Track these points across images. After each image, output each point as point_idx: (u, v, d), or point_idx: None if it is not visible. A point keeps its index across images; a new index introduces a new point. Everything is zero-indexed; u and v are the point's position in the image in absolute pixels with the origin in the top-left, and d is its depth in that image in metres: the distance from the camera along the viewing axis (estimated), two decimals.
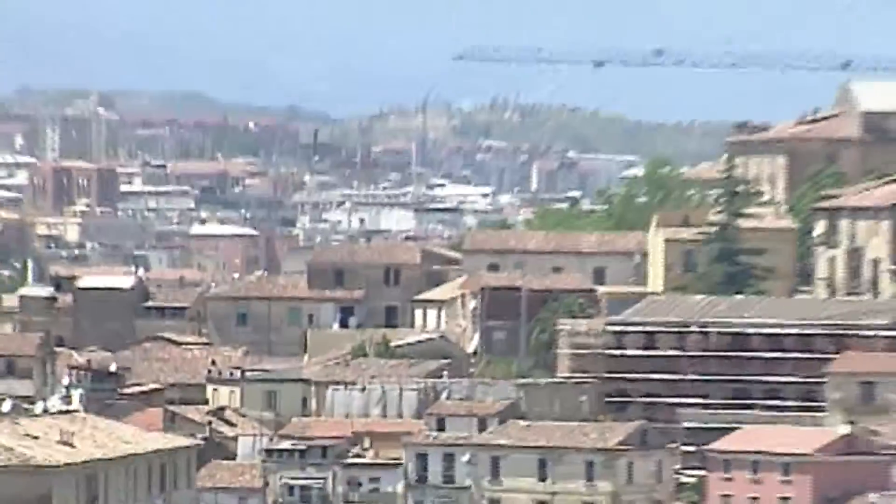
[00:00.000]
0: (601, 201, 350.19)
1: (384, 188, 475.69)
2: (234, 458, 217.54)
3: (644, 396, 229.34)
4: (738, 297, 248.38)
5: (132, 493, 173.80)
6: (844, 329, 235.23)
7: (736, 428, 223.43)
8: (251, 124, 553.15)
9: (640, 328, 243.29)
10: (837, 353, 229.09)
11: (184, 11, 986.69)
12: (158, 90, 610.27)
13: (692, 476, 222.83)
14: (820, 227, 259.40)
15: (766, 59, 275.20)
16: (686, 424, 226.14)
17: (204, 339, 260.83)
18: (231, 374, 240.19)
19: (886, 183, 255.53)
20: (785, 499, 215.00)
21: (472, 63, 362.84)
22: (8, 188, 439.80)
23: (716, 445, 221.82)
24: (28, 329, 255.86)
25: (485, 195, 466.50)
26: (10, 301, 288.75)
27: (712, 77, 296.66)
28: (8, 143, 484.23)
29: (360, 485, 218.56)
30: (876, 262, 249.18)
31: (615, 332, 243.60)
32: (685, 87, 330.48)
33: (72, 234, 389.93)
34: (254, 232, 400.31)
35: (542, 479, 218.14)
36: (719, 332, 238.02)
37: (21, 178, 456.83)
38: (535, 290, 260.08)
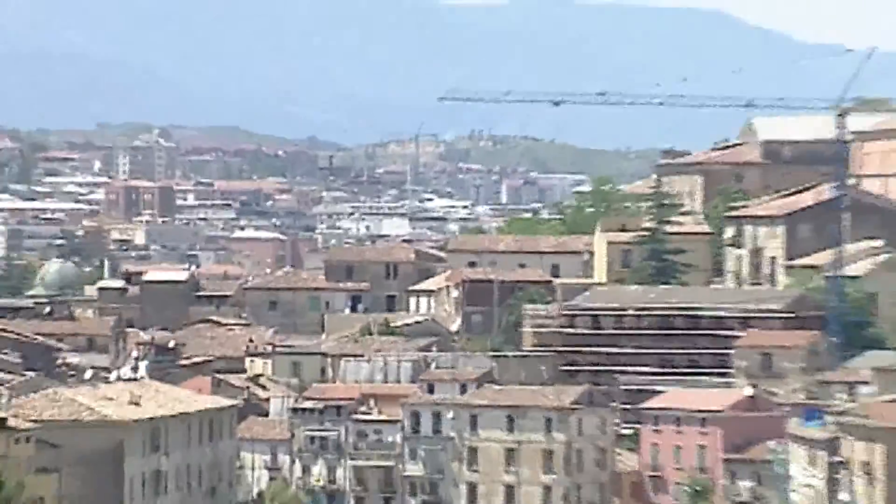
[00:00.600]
0: (556, 212, 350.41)
1: (385, 201, 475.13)
2: (266, 416, 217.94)
3: (591, 366, 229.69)
4: (665, 286, 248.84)
5: (186, 444, 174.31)
6: (748, 312, 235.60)
7: (663, 391, 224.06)
8: (280, 151, 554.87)
9: (587, 312, 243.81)
10: (743, 330, 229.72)
11: (225, 62, 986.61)
12: (206, 125, 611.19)
13: (629, 429, 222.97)
14: (729, 232, 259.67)
15: (687, 99, 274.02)
16: (624, 388, 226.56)
17: (243, 321, 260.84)
18: (264, 348, 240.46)
19: (781, 197, 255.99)
20: (702, 446, 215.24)
21: (454, 102, 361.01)
22: (89, 202, 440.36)
23: (647, 404, 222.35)
24: (104, 313, 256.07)
25: (464, 207, 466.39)
26: (91, 291, 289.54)
27: (644, 112, 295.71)
28: (89, 167, 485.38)
29: (366, 436, 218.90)
30: (773, 260, 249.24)
31: (568, 315, 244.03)
32: (623, 121, 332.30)
33: (139, 239, 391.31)
34: (282, 237, 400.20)
35: (510, 431, 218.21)
36: (650, 315, 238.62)
37: (99, 194, 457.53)
38: (505, 281, 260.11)
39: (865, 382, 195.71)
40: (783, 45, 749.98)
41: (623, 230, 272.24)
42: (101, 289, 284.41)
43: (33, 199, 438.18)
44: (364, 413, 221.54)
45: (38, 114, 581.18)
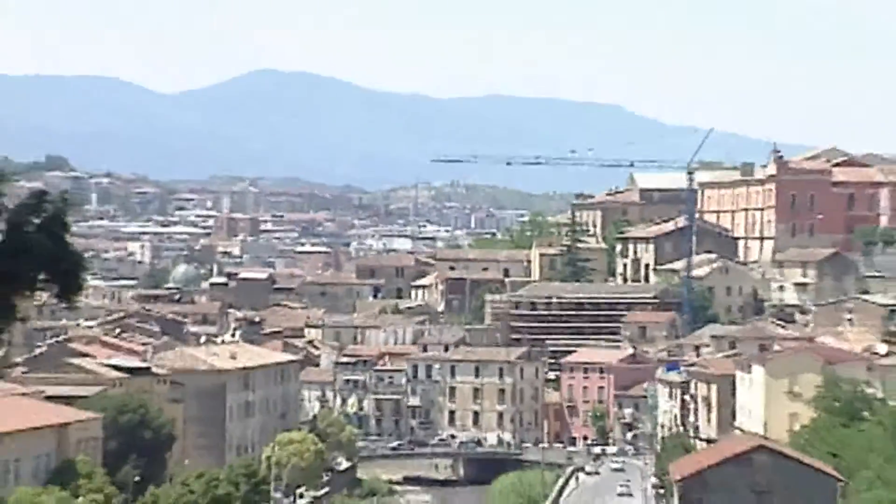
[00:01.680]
0: (507, 234, 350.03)
1: (395, 227, 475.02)
2: (318, 366, 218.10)
3: (528, 334, 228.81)
4: (577, 283, 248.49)
5: (266, 384, 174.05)
6: (630, 299, 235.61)
7: (575, 350, 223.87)
8: (327, 194, 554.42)
9: (527, 299, 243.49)
10: (627, 311, 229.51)
11: (290, 137, 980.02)
12: (279, 177, 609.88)
13: (553, 375, 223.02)
14: (618, 247, 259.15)
15: (592, 161, 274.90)
16: (550, 349, 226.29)
17: (302, 305, 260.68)
18: (317, 322, 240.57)
19: (652, 224, 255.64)
20: (601, 387, 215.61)
21: (440, 163, 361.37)
22: (204, 227, 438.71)
23: (565, 360, 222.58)
24: (213, 299, 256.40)
25: (447, 231, 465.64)
26: (205, 285, 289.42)
27: (564, 170, 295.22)
28: (204, 204, 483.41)
29: (382, 379, 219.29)
30: (647, 266, 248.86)
31: (514, 302, 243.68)
32: (550, 175, 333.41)
33: (235, 251, 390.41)
34: (328, 250, 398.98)
35: (477, 377, 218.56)
36: (567, 302, 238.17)
37: (210, 222, 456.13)
38: (473, 279, 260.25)
39: (706, 345, 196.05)
40: (655, 126, 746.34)
41: (550, 246, 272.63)
42: (211, 283, 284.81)
43: (167, 226, 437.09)
44: (381, 365, 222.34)
45: (172, 169, 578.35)
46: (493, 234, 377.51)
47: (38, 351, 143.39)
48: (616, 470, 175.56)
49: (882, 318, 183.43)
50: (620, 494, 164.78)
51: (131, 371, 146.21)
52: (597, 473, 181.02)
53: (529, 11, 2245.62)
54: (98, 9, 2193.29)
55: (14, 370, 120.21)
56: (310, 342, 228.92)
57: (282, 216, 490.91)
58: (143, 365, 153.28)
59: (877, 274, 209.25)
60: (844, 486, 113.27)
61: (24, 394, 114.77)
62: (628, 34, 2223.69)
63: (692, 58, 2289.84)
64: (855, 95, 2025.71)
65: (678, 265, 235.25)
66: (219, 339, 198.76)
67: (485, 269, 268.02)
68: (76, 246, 18.49)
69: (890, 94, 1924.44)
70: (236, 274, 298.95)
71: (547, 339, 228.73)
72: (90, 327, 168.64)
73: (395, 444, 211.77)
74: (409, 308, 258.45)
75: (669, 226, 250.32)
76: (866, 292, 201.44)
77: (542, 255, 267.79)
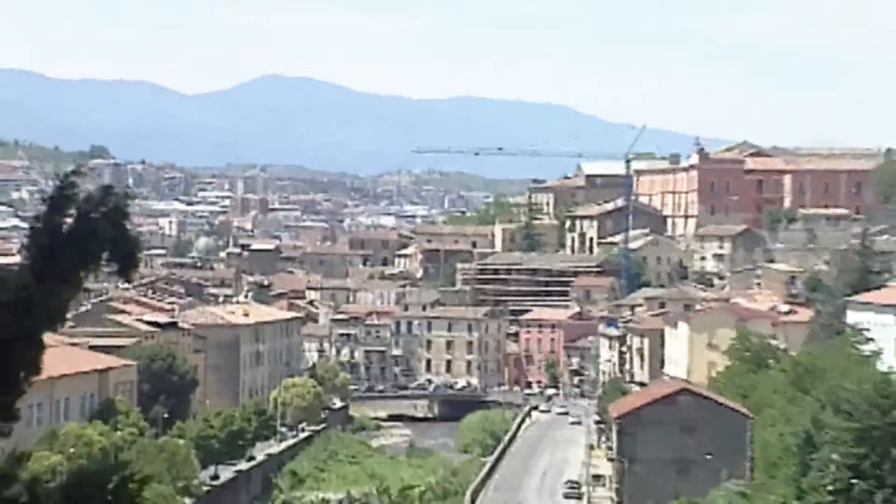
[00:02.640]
0: (475, 214, 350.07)
1: (382, 207, 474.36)
2: (317, 322, 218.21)
3: (493, 296, 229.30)
4: (533, 253, 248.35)
5: (273, 337, 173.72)
6: (577, 267, 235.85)
7: (531, 309, 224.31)
8: (325, 179, 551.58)
9: (491, 266, 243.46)
10: (574, 277, 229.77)
11: (297, 133, 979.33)
12: (285, 164, 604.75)
13: (513, 331, 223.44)
14: (568, 224, 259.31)
15: (546, 152, 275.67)
16: (511, 308, 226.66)
17: (304, 270, 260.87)
18: (316, 286, 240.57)
19: (596, 205, 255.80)
20: (552, 340, 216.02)
21: (419, 154, 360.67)
22: (222, 207, 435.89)
23: (522, 318, 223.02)
24: (229, 266, 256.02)
25: (425, 210, 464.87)
26: (222, 254, 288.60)
27: (524, 159, 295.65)
28: (222, 187, 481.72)
29: (370, 333, 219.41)
30: (592, 239, 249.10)
31: (481, 269, 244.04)
32: (510, 163, 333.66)
33: (248, 226, 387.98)
34: (326, 225, 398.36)
35: (449, 331, 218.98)
36: (525, 269, 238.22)
37: (227, 202, 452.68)
38: (447, 250, 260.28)
39: (640, 305, 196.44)
40: (598, 123, 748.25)
41: (510, 223, 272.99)
42: (228, 253, 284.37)
43: (191, 205, 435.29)
44: (370, 321, 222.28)
45: (195, 157, 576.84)
46: (463, 213, 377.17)
47: (83, 308, 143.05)
48: (561, 414, 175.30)
49: (785, 283, 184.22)
50: (572, 424, 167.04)
51: (161, 326, 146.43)
52: (548, 412, 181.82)
53: (494, 28, 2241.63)
54: (134, 22, 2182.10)
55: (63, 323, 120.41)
56: (310, 302, 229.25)
57: (287, 197, 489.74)
58: (171, 321, 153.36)
59: (780, 246, 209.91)
60: (753, 421, 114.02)
61: (71, 344, 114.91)
62: (575, 44, 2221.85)
63: (630, 64, 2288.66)
64: (763, 97, 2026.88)
65: (617, 239, 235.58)
66: (234, 300, 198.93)
67: (456, 242, 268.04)
68: (133, 231, 18.77)
69: (790, 97, 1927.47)
70: (248, 245, 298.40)
71: (508, 300, 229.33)
72: (127, 289, 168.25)
73: (380, 387, 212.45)
74: (392, 274, 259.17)
75: (610, 206, 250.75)
76: (772, 261, 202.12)
77: (503, 230, 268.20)
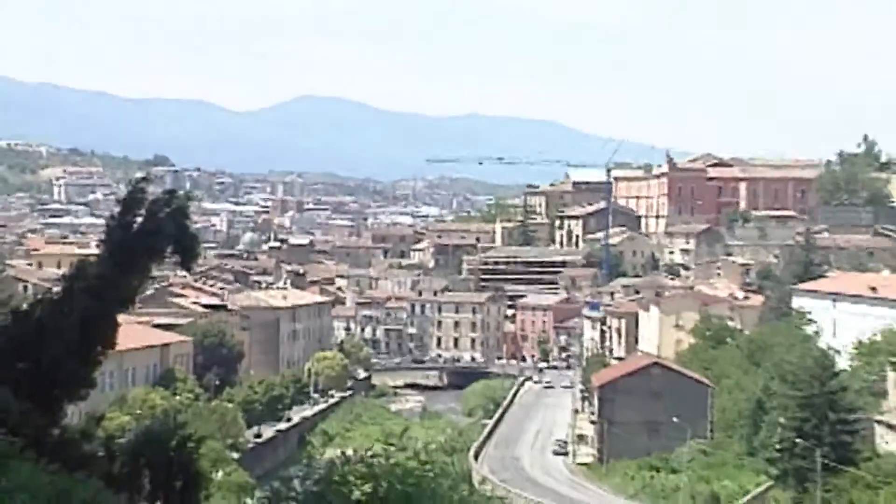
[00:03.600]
0: (479, 212, 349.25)
1: (399, 207, 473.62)
2: (344, 304, 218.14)
3: (493, 283, 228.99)
4: (528, 247, 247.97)
5: (308, 317, 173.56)
6: (565, 259, 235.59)
7: (526, 295, 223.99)
8: (352, 184, 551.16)
9: (493, 258, 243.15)
10: (563, 267, 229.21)
11: (328, 143, 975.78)
12: (317, 171, 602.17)
13: (511, 313, 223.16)
14: (557, 223, 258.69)
15: (539, 161, 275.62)
16: (508, 294, 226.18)
17: (334, 262, 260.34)
18: (344, 274, 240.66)
19: (581, 207, 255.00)
20: (544, 321, 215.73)
21: (433, 162, 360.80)
22: (264, 207, 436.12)
23: (518, 302, 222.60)
24: (270, 257, 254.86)
25: (437, 210, 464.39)
26: (265, 247, 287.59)
27: (520, 167, 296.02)
28: (264, 190, 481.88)
29: (390, 314, 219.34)
30: (577, 236, 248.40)
31: (483, 260, 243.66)
32: (509, 170, 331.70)
33: (286, 223, 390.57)
34: (352, 224, 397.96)
35: (457, 313, 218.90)
36: (521, 261, 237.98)
37: (269, 203, 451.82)
38: (454, 244, 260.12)
39: (618, 292, 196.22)
40: (582, 137, 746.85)
41: (509, 221, 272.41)
42: (269, 247, 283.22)
43: (239, 205, 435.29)
44: (389, 305, 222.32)
45: (242, 165, 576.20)
46: (469, 213, 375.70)
47: (148, 292, 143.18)
48: (547, 387, 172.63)
49: (740, 273, 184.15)
50: (563, 387, 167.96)
51: (213, 307, 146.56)
52: (540, 382, 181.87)
53: (496, 54, 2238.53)
54: (190, 47, 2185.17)
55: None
56: (338, 288, 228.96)
57: (319, 199, 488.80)
58: (221, 303, 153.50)
59: (737, 242, 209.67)
60: (712, 390, 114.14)
61: (138, 322, 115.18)
62: (564, 68, 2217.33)
63: (611, 86, 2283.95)
64: (724, 115, 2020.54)
65: (599, 235, 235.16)
66: (274, 286, 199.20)
67: (462, 238, 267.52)
68: (192, 230, 19.01)
69: (748, 115, 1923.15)
70: (286, 240, 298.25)
71: (506, 287, 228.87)
72: (184, 276, 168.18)
73: (398, 360, 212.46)
74: (408, 265, 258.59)
75: (593, 208, 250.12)
76: (730, 255, 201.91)
77: (503, 227, 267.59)
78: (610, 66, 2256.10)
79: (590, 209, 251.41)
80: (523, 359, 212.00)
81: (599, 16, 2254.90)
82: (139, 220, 18.17)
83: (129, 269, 18.18)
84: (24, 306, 18.34)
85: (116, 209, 18.64)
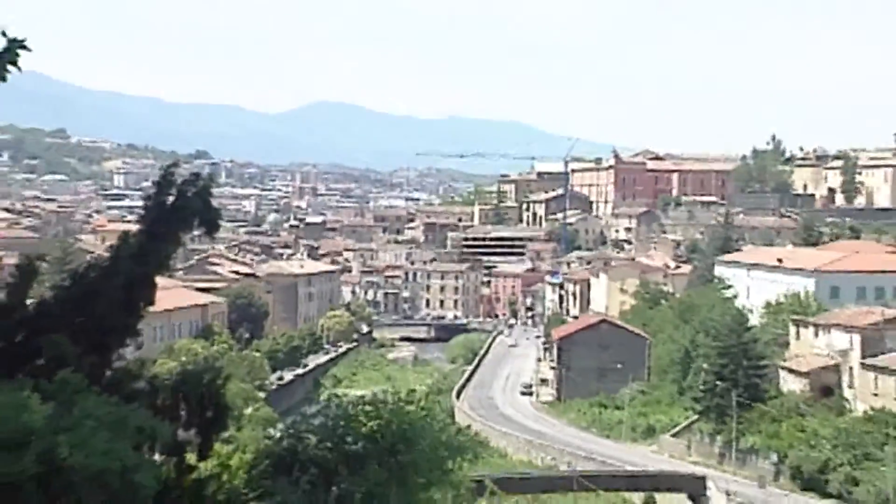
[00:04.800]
0: (460, 197, 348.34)
1: (396, 193, 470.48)
2: (350, 272, 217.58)
3: (472, 255, 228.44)
4: (500, 226, 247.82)
5: (320, 283, 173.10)
6: (531, 236, 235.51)
7: (497, 266, 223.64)
8: (356, 174, 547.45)
9: (472, 235, 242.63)
10: (529, 242, 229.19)
11: (340, 141, 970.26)
12: (328, 162, 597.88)
13: (487, 280, 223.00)
14: (525, 207, 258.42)
15: (509, 155, 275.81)
16: (485, 264, 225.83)
17: (343, 238, 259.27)
18: (350, 248, 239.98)
19: (545, 193, 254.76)
20: (513, 287, 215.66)
21: (423, 155, 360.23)
22: (285, 192, 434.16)
23: (493, 270, 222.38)
24: (290, 234, 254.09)
25: (426, 195, 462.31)
26: (286, 226, 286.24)
27: (494, 160, 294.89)
28: (285, 178, 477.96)
29: (387, 281, 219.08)
30: (541, 217, 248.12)
31: (464, 237, 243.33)
32: (486, 164, 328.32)
33: (303, 206, 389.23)
34: (357, 206, 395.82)
35: (442, 279, 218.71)
36: (495, 237, 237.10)
37: (289, 189, 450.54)
38: (441, 223, 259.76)
39: (574, 262, 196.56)
40: (545, 135, 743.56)
41: (485, 205, 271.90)
42: (290, 225, 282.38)
43: (265, 191, 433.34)
44: (387, 272, 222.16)
45: (267, 157, 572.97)
46: (453, 198, 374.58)
47: (189, 263, 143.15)
48: (511, 346, 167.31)
49: (672, 247, 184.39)
50: (528, 339, 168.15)
51: (243, 275, 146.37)
52: (509, 335, 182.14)
53: (475, 66, 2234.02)
54: (227, 60, 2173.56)
55: (176, 273, 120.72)
56: (346, 259, 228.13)
57: (330, 186, 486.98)
58: (250, 272, 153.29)
59: (670, 222, 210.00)
60: (650, 342, 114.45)
61: (183, 287, 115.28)
62: (531, 75, 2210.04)
63: (569, 92, 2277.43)
64: (660, 117, 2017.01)
65: (558, 216, 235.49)
66: (293, 257, 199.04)
67: (447, 218, 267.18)
68: (216, 205, 18.90)
69: (678, 117, 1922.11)
70: (304, 220, 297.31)
71: (483, 258, 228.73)
72: (220, 249, 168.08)
73: (394, 318, 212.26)
74: (403, 240, 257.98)
75: (554, 194, 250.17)
76: (664, 232, 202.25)
77: (480, 210, 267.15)
78: (569, 75, 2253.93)
79: (551, 195, 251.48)
80: (496, 317, 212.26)
81: (560, 35, 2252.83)
82: (171, 198, 18.10)
83: (164, 239, 18.15)
84: (80, 270, 18.25)
85: (152, 190, 18.58)
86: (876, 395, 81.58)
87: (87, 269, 18.11)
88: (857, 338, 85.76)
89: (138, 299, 17.73)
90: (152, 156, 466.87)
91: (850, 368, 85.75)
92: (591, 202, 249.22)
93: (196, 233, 19.30)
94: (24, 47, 9.74)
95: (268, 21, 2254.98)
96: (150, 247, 17.74)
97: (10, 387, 14.27)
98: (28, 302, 17.32)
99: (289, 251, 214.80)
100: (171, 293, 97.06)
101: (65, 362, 15.69)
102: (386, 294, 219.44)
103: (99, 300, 17.06)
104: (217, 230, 19.27)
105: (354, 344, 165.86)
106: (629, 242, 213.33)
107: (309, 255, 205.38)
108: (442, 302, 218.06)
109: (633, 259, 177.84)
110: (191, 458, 17.84)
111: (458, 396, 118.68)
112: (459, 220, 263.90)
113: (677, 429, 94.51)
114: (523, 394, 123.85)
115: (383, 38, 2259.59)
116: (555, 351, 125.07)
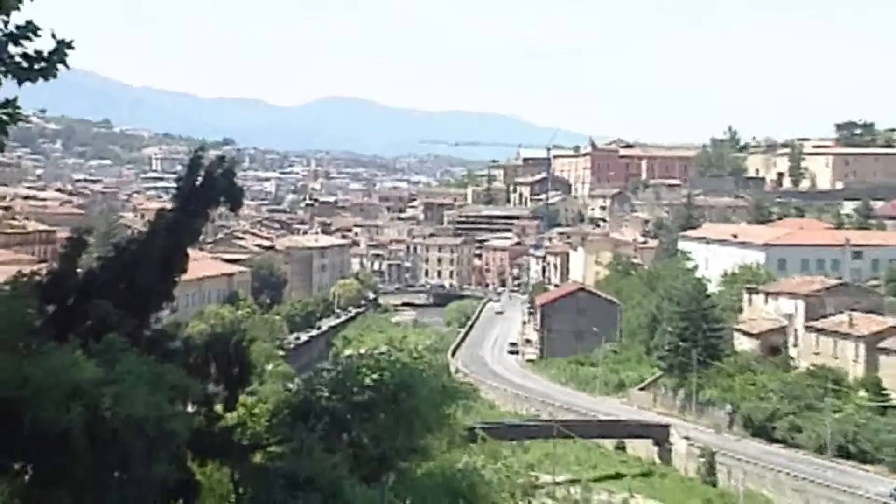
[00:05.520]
0: (456, 180, 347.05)
1: (400, 177, 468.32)
2: (359, 245, 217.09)
3: (466, 231, 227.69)
4: (490, 205, 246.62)
5: (332, 255, 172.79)
6: (518, 214, 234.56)
7: (488, 240, 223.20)
8: (364, 160, 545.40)
9: (465, 213, 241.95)
10: (516, 219, 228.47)
11: (346, 126, 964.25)
12: (340, 150, 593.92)
13: (479, 252, 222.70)
14: (512, 189, 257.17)
15: (499, 144, 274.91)
16: (477, 238, 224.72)
17: (353, 215, 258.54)
18: (359, 224, 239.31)
19: (531, 176, 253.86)
20: (502, 258, 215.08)
21: (423, 143, 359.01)
22: (303, 176, 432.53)
23: (484, 244, 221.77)
24: (307, 212, 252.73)
25: (426, 178, 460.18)
26: (302, 205, 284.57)
27: (486, 148, 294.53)
28: (302, 164, 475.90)
29: (391, 254, 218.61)
30: (527, 197, 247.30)
31: (459, 215, 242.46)
32: (479, 151, 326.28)
33: (317, 187, 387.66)
34: (365, 188, 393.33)
35: (439, 252, 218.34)
36: (486, 216, 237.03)
37: (305, 173, 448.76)
38: (439, 203, 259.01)
39: (554, 238, 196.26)
40: (530, 127, 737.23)
41: (478, 186, 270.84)
42: (306, 204, 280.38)
43: (284, 174, 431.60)
44: (391, 246, 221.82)
45: (286, 145, 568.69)
46: (449, 181, 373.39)
47: (219, 237, 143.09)
48: (498, 313, 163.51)
49: (642, 224, 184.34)
50: (514, 305, 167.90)
51: (265, 248, 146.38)
52: (498, 301, 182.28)
53: (472, 65, 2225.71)
54: (250, 58, 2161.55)
55: (206, 246, 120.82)
56: (354, 234, 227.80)
57: (341, 170, 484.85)
58: (271, 245, 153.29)
59: (639, 202, 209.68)
60: (621, 308, 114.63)
61: (212, 258, 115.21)
62: (521, 75, 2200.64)
63: (553, 89, 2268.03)
64: (631, 110, 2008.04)
65: (542, 197, 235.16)
66: (310, 232, 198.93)
67: (444, 198, 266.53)
68: (238, 184, 18.95)
69: (647, 110, 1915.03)
70: (318, 199, 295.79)
71: (475, 233, 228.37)
72: (244, 225, 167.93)
73: (397, 286, 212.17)
74: (405, 217, 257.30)
75: (537, 177, 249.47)
76: (634, 211, 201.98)
77: (472, 191, 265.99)
78: (553, 75, 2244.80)
79: (535, 178, 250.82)
80: (487, 285, 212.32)
81: (547, 37, 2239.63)
82: (199, 178, 18.16)
83: (194, 214, 18.25)
84: (122, 243, 18.34)
85: (183, 171, 18.67)
86: (817, 353, 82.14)
87: (128, 242, 18.23)
88: (801, 304, 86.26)
89: (173, 268, 17.82)
90: (185, 143, 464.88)
91: (795, 330, 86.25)
92: (570, 185, 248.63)
93: (222, 209, 19.37)
94: (71, 47, 9.76)
95: (286, 24, 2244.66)
96: (182, 221, 17.83)
97: (61, 347, 14.45)
98: (78, 271, 17.43)
99: (304, 227, 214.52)
100: (201, 264, 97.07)
101: (109, 325, 15.80)
102: (389, 265, 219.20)
103: (139, 269, 17.15)
104: (240, 206, 19.36)
105: (362, 309, 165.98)
106: (603, 220, 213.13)
107: (322, 231, 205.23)
108: (439, 272, 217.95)
109: (607, 235, 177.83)
110: (219, 408, 18.02)
111: (452, 355, 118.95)
112: (454, 200, 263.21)
113: (644, 383, 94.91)
114: (510, 353, 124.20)
115: (390, 40, 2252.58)
116: (538, 315, 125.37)
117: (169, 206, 18.62)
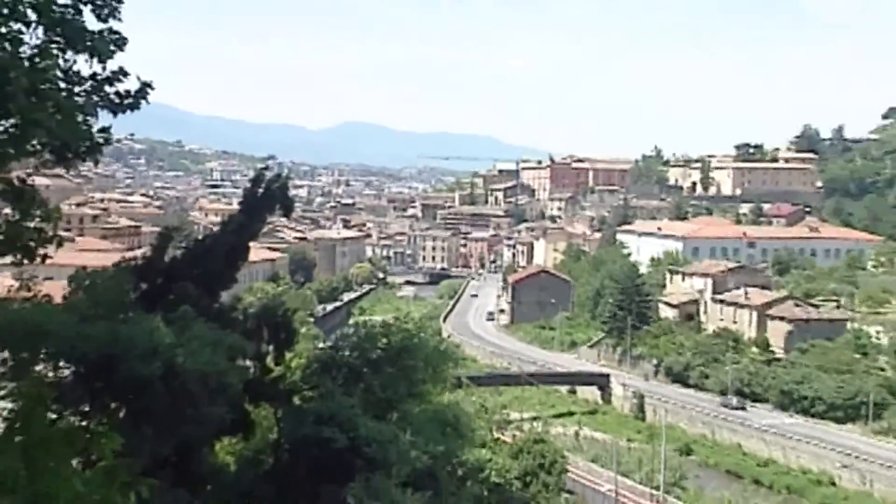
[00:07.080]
0: (447, 187, 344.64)
1: (402, 184, 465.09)
2: (371, 238, 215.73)
3: (455, 226, 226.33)
4: (473, 206, 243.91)
5: (350, 245, 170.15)
6: (494, 213, 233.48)
7: (471, 231, 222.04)
8: (374, 171, 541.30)
9: (454, 213, 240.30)
10: (493, 217, 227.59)
11: (361, 144, 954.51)
12: (356, 163, 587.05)
13: (464, 242, 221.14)
14: (490, 193, 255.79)
15: (480, 159, 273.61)
16: (462, 231, 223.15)
17: (367, 213, 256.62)
18: (371, 221, 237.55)
19: (503, 184, 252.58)
20: (481, 246, 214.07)
21: (422, 158, 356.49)
22: (327, 184, 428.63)
23: (469, 235, 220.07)
24: (331, 210, 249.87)
25: (424, 185, 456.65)
26: (326, 206, 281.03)
27: (470, 162, 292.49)
28: (328, 175, 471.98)
29: (396, 243, 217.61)
30: (501, 200, 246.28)
31: (449, 214, 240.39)
32: (464, 164, 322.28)
33: (339, 192, 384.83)
34: (376, 193, 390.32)
35: (434, 241, 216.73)
36: (469, 213, 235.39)
37: (329, 181, 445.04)
38: (433, 204, 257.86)
39: (521, 231, 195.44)
40: (504, 145, 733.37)
41: (463, 191, 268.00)
42: (330, 206, 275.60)
43: (314, 183, 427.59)
44: (397, 238, 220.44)
45: (315, 160, 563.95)
46: (441, 188, 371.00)
47: (264, 230, 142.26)
48: (473, 296, 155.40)
49: (589, 221, 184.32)
50: (489, 284, 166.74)
51: (299, 238, 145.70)
52: (479, 280, 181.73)
53: (460, 94, 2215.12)
54: (286, 89, 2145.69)
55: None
56: (368, 228, 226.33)
57: (357, 179, 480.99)
58: (304, 236, 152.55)
59: (587, 204, 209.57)
60: (573, 285, 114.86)
61: (259, 247, 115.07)
62: (500, 102, 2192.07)
63: (525, 113, 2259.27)
64: (582, 131, 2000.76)
65: (513, 200, 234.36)
66: (334, 227, 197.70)
67: (437, 201, 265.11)
68: (292, 196, 19.37)
69: (594, 131, 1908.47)
70: (340, 201, 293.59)
71: (461, 228, 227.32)
72: (284, 221, 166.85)
73: (400, 268, 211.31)
74: (408, 216, 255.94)
75: (509, 184, 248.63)
76: (584, 210, 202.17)
77: (459, 195, 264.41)
78: (523, 103, 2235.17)
79: (507, 185, 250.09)
80: (470, 267, 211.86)
81: (517, 71, 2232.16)
82: (260, 190, 18.52)
83: (254, 218, 18.59)
84: (199, 238, 18.70)
85: (247, 184, 19.01)
86: (721, 319, 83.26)
87: (204, 237, 18.68)
88: (709, 281, 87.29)
89: (237, 258, 18.20)
90: (238, 159, 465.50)
91: (705, 302, 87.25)
92: (534, 190, 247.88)
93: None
94: (151, 87, 10.24)
95: (313, 60, 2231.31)
96: (245, 224, 18.22)
97: (148, 317, 14.85)
98: (164, 258, 17.83)
99: (330, 223, 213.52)
100: (252, 251, 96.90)
101: (186, 300, 16.18)
102: (395, 252, 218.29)
103: (211, 258, 17.53)
104: (292, 212, 19.77)
105: (374, 286, 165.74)
106: (560, 217, 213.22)
107: (343, 226, 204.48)
108: (433, 257, 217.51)
109: (563, 229, 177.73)
110: (270, 363, 18.40)
111: (444, 321, 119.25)
112: (445, 202, 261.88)
113: (591, 343, 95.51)
114: (488, 319, 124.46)
115: (395, 74, 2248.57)
116: (510, 290, 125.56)
117: (235, 210, 19.00)
